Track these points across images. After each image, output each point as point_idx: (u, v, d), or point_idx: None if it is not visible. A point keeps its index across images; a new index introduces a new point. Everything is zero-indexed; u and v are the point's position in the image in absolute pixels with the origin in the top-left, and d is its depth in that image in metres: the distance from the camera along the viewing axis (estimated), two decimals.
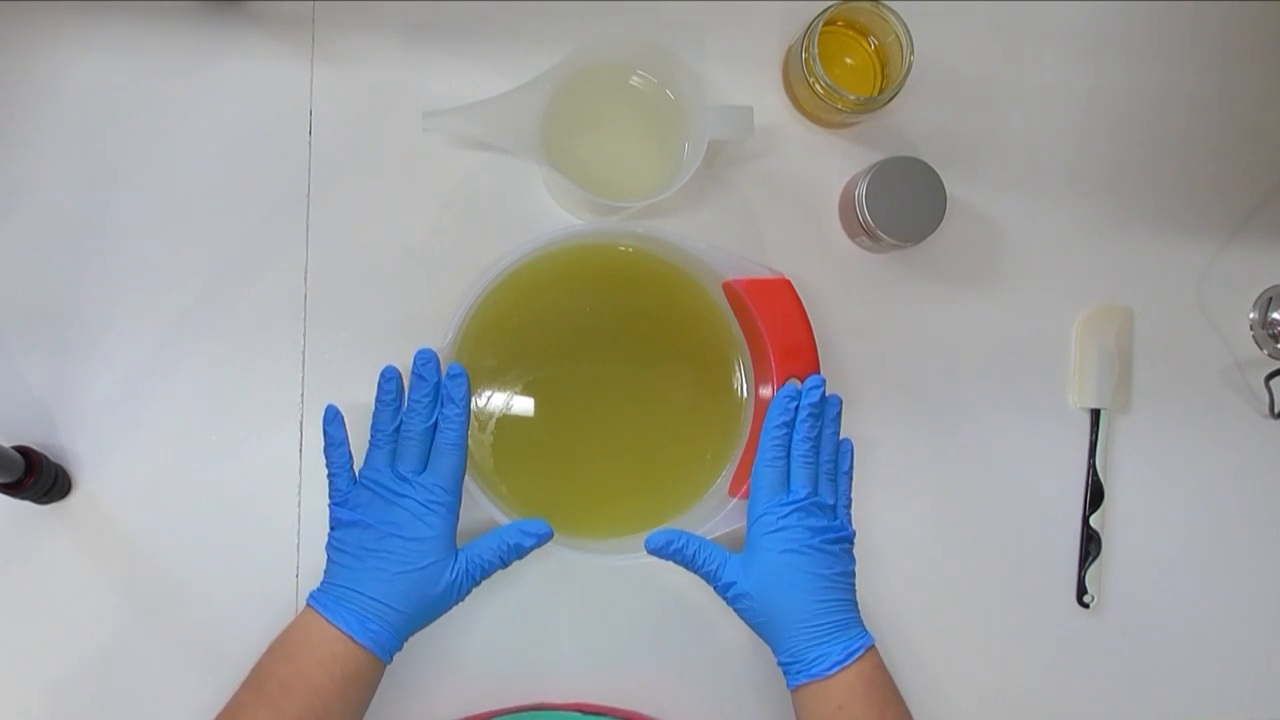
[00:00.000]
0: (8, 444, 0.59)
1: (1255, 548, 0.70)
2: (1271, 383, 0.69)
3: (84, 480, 0.63)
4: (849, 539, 0.59)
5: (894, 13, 0.63)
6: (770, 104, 0.68)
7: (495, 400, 0.63)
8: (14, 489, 0.58)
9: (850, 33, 0.67)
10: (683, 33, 0.68)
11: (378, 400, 0.57)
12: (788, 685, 0.57)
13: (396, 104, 0.65)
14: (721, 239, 0.66)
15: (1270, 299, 0.71)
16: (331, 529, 0.57)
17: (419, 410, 0.57)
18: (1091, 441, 0.69)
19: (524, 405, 0.63)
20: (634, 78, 0.65)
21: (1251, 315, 0.71)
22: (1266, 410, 0.69)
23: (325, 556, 0.57)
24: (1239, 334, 0.71)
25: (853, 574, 0.58)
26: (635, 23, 0.68)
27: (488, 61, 0.66)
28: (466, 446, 0.57)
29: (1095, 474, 0.68)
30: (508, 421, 0.63)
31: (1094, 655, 0.68)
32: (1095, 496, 0.68)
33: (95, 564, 0.63)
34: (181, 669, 0.63)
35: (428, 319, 0.63)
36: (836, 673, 0.54)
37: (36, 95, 0.64)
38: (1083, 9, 0.71)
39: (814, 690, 0.55)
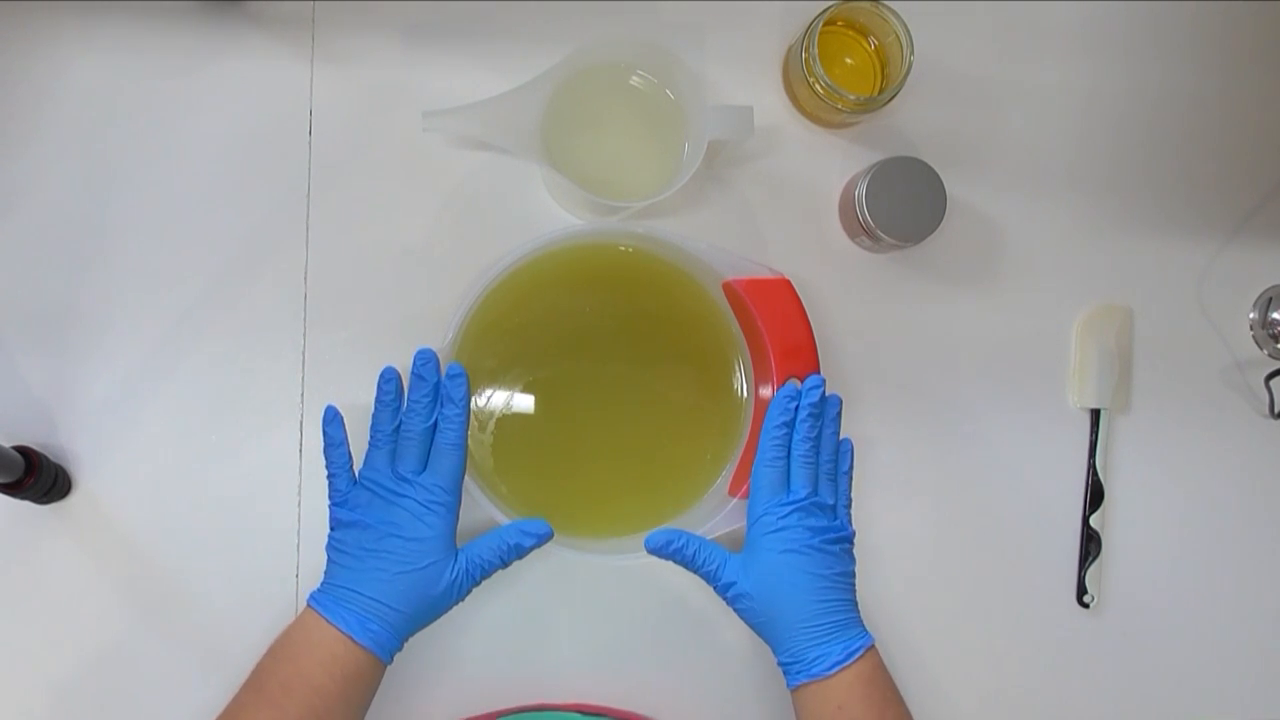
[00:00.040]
0: (8, 444, 0.59)
1: (1255, 548, 0.70)
2: (1271, 383, 0.69)
3: (84, 480, 0.63)
4: (849, 539, 0.59)
5: (894, 13, 0.63)
6: (770, 104, 0.68)
7: (495, 400, 0.63)
8: (14, 489, 0.58)
9: (850, 33, 0.67)
10: (683, 33, 0.68)
11: (377, 401, 0.57)
12: (788, 685, 0.57)
13: (396, 104, 0.65)
14: (721, 239, 0.66)
15: (1270, 299, 0.71)
16: (331, 529, 0.57)
17: (418, 410, 0.56)
18: (1091, 441, 0.69)
19: (524, 405, 0.63)
20: (634, 78, 0.65)
21: (1251, 315, 0.71)
22: (1266, 410, 0.69)
23: (325, 557, 0.56)
24: (1239, 334, 0.71)
25: (853, 574, 0.58)
26: (635, 23, 0.68)
27: (488, 61, 0.66)
28: (466, 446, 0.57)
29: (1095, 474, 0.68)
30: (508, 421, 0.63)
31: (1094, 655, 0.68)
32: (1095, 496, 0.68)
33: (95, 564, 0.63)
34: (182, 669, 0.63)
35: (428, 319, 0.63)
36: (836, 673, 0.54)
37: (36, 95, 0.64)
38: (1083, 9, 0.71)
39: (814, 690, 0.55)
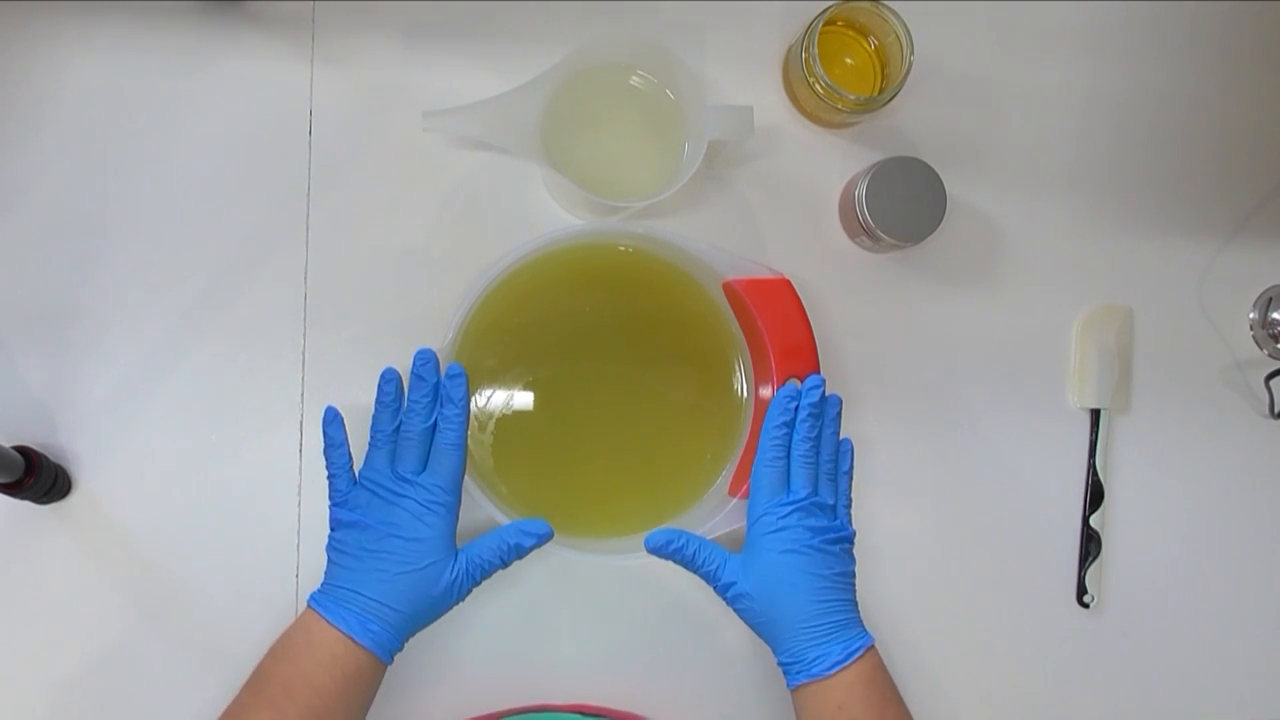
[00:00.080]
0: (8, 444, 0.59)
1: (1255, 548, 0.70)
2: (1271, 383, 0.69)
3: (84, 480, 0.63)
4: (849, 539, 0.59)
5: (894, 13, 0.63)
6: (770, 104, 0.68)
7: (495, 400, 0.63)
8: (14, 489, 0.58)
9: (850, 33, 0.67)
10: (683, 33, 0.68)
11: (377, 402, 0.57)
12: (788, 685, 0.57)
13: (396, 104, 0.65)
14: (721, 239, 0.66)
15: (1270, 299, 0.71)
16: (331, 530, 0.57)
17: (418, 410, 0.56)
18: (1091, 441, 0.69)
19: (524, 405, 0.63)
20: (634, 78, 0.65)
21: (1251, 315, 0.71)
22: (1266, 410, 0.69)
23: (325, 557, 0.56)
24: (1239, 334, 0.71)
25: (853, 574, 0.58)
26: (635, 23, 0.68)
27: (488, 61, 0.66)
28: (466, 446, 0.57)
29: (1095, 474, 0.68)
30: (508, 421, 0.63)
31: (1094, 655, 0.68)
32: (1095, 496, 0.68)
33: (95, 564, 0.63)
34: (182, 669, 0.63)
35: (428, 319, 0.63)
36: (836, 673, 0.54)
37: (36, 95, 0.64)
38: (1083, 9, 0.71)
39: (814, 690, 0.55)
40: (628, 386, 0.64)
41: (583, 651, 0.65)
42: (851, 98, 0.62)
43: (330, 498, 0.57)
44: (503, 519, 0.58)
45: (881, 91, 0.64)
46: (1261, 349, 0.71)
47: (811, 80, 0.63)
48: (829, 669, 0.54)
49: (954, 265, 0.69)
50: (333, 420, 0.58)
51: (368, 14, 0.66)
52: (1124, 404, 0.69)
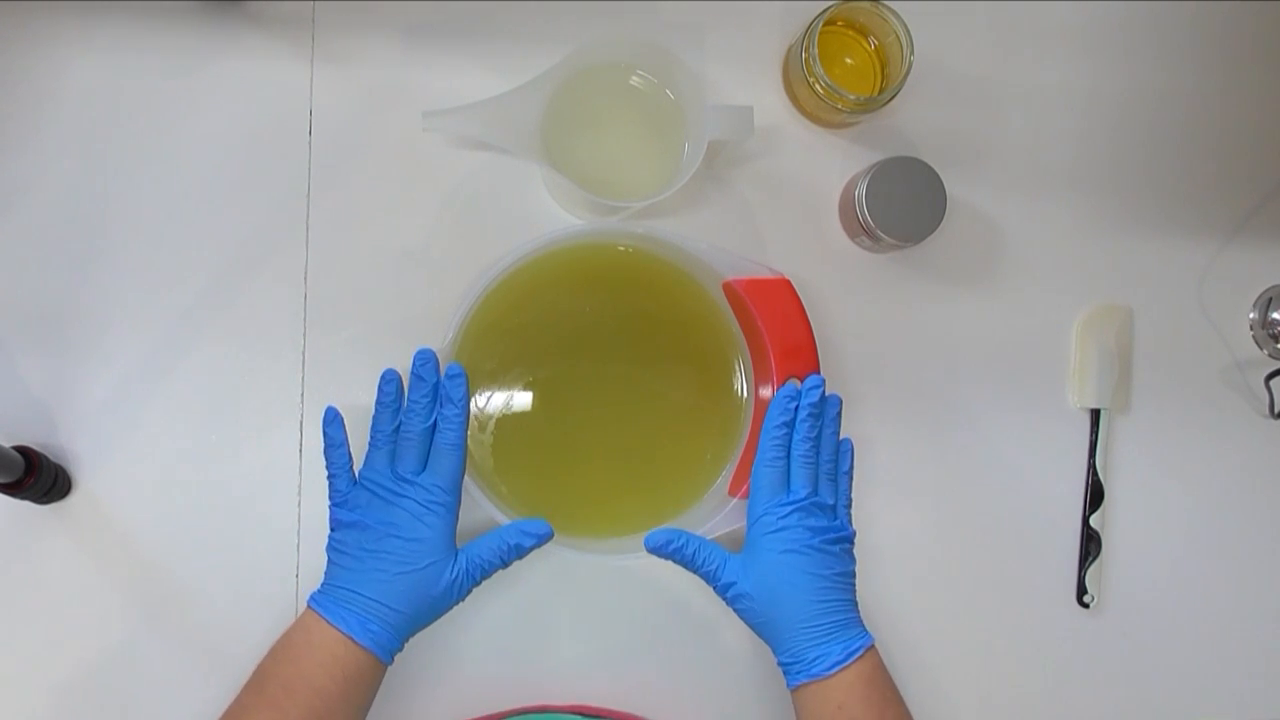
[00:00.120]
0: (8, 444, 0.59)
1: (1255, 548, 0.70)
2: (1271, 383, 0.69)
3: (84, 480, 0.63)
4: (849, 539, 0.59)
5: (894, 13, 0.63)
6: (770, 104, 0.68)
7: (495, 400, 0.63)
8: (14, 489, 0.58)
9: (850, 33, 0.67)
10: (683, 33, 0.68)
11: (378, 402, 0.57)
12: (788, 685, 0.57)
13: (396, 104, 0.65)
14: (721, 239, 0.66)
15: (1270, 299, 0.71)
16: (331, 530, 0.57)
17: (418, 411, 0.56)
18: (1091, 441, 0.69)
19: (524, 405, 0.63)
20: (634, 78, 0.65)
21: (1251, 315, 0.71)
22: (1266, 410, 0.69)
23: (325, 557, 0.56)
24: (1239, 334, 0.71)
25: (853, 574, 0.58)
26: (635, 23, 0.68)
27: (488, 61, 0.66)
28: (466, 447, 0.57)
29: (1095, 474, 0.68)
30: (508, 421, 0.63)
31: (1094, 655, 0.68)
32: (1095, 496, 0.68)
33: (95, 564, 0.63)
34: (182, 669, 0.63)
35: (428, 319, 0.63)
36: (836, 673, 0.54)
37: (36, 95, 0.64)
38: (1083, 9, 0.71)
39: (814, 690, 0.55)
40: (628, 386, 0.64)
41: (583, 652, 0.65)
42: (851, 98, 0.62)
43: (330, 498, 0.57)
44: (503, 519, 0.58)
45: (881, 91, 0.64)
46: (1261, 349, 0.71)
47: (811, 80, 0.63)
48: (829, 669, 0.54)
49: (954, 265, 0.69)
50: (333, 420, 0.58)
51: (368, 14, 0.66)
52: (1124, 404, 0.69)
